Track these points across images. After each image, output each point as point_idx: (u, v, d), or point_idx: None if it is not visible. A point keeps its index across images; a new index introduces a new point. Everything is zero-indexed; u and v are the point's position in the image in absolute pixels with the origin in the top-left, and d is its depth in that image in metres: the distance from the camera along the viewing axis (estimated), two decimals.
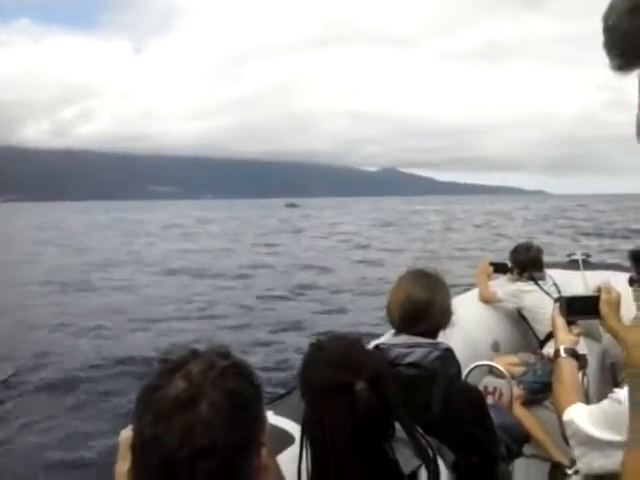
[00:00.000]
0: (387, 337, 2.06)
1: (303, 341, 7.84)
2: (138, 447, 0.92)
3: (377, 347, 1.80)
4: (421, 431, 1.39)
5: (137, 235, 33.38)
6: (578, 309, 1.84)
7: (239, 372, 0.97)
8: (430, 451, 1.35)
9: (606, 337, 2.34)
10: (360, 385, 1.28)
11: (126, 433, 1.09)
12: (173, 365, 0.96)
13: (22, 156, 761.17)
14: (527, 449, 2.60)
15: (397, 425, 1.35)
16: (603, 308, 1.83)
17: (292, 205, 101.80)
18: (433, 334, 1.86)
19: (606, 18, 0.82)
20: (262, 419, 1.00)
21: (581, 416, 1.45)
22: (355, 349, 1.39)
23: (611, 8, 0.81)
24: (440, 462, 1.38)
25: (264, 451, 0.97)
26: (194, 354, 0.98)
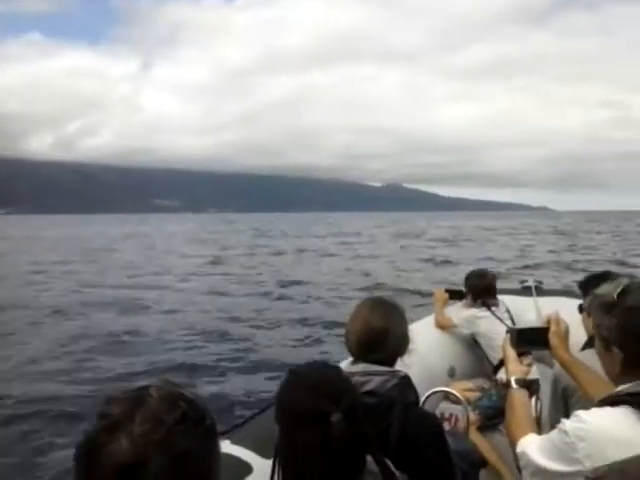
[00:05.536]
0: (345, 365, 2.06)
1: None
2: None
3: None
4: (392, 465, 1.38)
5: None
6: (528, 341, 1.88)
7: (189, 427, 0.89)
8: None
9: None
10: (336, 416, 1.27)
11: None
12: (114, 421, 0.87)
13: (26, 168, 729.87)
14: (483, 474, 2.62)
15: (368, 457, 1.34)
16: (552, 340, 1.89)
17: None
18: (391, 361, 1.88)
19: None
20: (214, 469, 0.94)
21: (532, 447, 1.48)
22: (334, 378, 1.38)
23: None
24: None
25: None
26: (137, 404, 0.89)
